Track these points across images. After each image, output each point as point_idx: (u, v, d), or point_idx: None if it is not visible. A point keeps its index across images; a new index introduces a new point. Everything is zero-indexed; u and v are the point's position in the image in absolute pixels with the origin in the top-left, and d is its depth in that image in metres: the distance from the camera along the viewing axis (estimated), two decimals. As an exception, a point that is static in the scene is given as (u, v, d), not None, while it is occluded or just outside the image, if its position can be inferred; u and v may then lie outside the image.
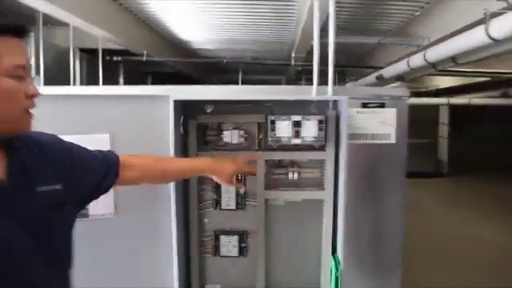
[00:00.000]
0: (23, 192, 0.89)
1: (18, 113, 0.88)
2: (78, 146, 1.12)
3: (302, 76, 7.32)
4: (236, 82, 6.68)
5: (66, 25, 3.06)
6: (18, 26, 0.86)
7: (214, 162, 1.50)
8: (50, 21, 3.15)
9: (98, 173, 1.13)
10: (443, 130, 9.94)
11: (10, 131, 0.89)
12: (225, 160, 1.52)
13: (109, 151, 1.23)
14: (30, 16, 3.35)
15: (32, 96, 0.89)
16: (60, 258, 0.97)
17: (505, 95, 7.88)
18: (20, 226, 0.86)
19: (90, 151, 1.16)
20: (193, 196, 1.76)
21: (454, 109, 9.79)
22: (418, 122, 9.54)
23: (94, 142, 1.47)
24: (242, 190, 1.73)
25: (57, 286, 0.97)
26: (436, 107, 9.66)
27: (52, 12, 2.60)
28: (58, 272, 0.97)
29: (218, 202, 1.78)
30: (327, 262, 1.75)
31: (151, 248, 1.72)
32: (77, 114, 1.58)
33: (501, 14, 2.27)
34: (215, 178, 1.52)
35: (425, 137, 9.69)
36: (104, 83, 4.40)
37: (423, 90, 9.17)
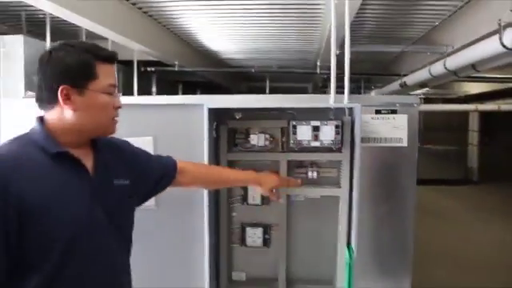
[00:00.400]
0: (106, 184, 1.14)
1: (107, 120, 1.14)
2: (142, 150, 1.39)
3: (328, 83, 7.42)
4: (263, 90, 6.87)
5: (104, 39, 3.33)
6: (112, 54, 1.14)
7: (260, 175, 1.71)
8: (90, 35, 3.43)
9: (157, 175, 1.38)
10: (473, 137, 9.80)
11: (100, 134, 1.17)
12: (268, 174, 1.73)
13: (168, 157, 1.47)
14: (74, 32, 3.68)
15: (118, 108, 1.16)
16: (125, 240, 1.22)
17: (535, 101, 7.72)
18: (103, 210, 1.11)
19: (153, 156, 1.43)
20: (223, 192, 1.99)
21: (484, 115, 9.64)
22: (447, 128, 9.48)
23: (141, 143, 1.73)
24: (281, 201, 1.86)
25: (121, 263, 1.21)
26: (465, 114, 9.52)
27: (93, 28, 2.86)
28: (123, 251, 1.21)
29: (245, 198, 1.99)
30: (342, 252, 1.93)
31: (186, 238, 1.95)
32: (127, 120, 1.82)
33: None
34: (258, 189, 1.73)
35: (454, 144, 9.60)
36: (138, 92, 4.69)
37: (452, 96, 9.08)
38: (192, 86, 7.04)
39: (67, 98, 1.05)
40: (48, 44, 3.12)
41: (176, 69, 4.92)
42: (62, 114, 1.07)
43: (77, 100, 1.06)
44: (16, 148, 1.04)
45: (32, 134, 1.09)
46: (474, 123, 9.70)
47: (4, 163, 0.99)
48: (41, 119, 1.10)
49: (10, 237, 0.95)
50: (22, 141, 1.07)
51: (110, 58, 1.12)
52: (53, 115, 1.08)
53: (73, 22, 2.70)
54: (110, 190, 1.15)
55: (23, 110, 1.92)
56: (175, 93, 6.93)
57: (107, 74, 1.11)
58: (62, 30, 3.71)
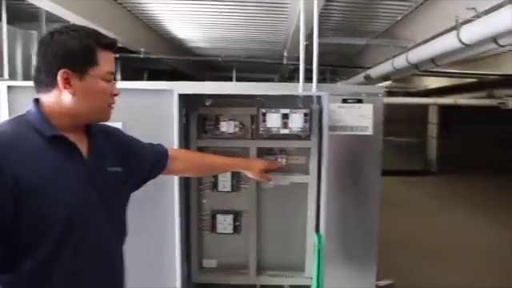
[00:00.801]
0: (100, 170, 1.14)
1: (104, 107, 1.14)
2: (134, 138, 1.39)
3: (294, 75, 7.52)
4: (230, 80, 6.86)
5: (66, 22, 3.20)
6: (114, 41, 1.14)
7: (247, 160, 1.80)
8: (50, 18, 3.28)
9: (149, 162, 1.39)
10: (432, 130, 10.22)
11: (95, 120, 1.17)
12: (255, 159, 1.81)
13: (159, 144, 1.49)
14: (32, 13, 3.51)
15: (115, 95, 1.16)
16: (119, 225, 1.21)
17: (490, 96, 8.13)
18: (97, 195, 1.10)
19: (145, 143, 1.43)
20: (193, 179, 1.99)
21: (443, 109, 10.06)
22: (408, 121, 9.83)
23: (109, 129, 1.71)
24: (271, 183, 1.94)
25: (115, 249, 1.20)
26: (425, 107, 9.89)
27: (53, 10, 2.74)
28: (116, 238, 1.20)
29: (215, 185, 2.01)
30: (311, 238, 1.98)
31: (156, 225, 1.92)
32: None
33: (471, 21, 2.51)
34: (248, 173, 1.77)
35: (414, 136, 9.97)
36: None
37: (412, 90, 9.41)
38: (157, 74, 6.92)
39: (67, 82, 1.05)
40: (4, 25, 2.97)
41: (141, 56, 4.82)
42: (60, 98, 1.06)
43: (76, 85, 1.06)
44: (11, 129, 1.04)
45: (28, 116, 1.07)
46: (433, 116, 10.11)
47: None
48: (37, 101, 1.09)
49: (5, 219, 0.94)
50: (18, 123, 1.06)
51: (111, 45, 1.13)
52: (50, 98, 1.07)
53: (32, 3, 2.59)
54: (104, 175, 1.15)
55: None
56: (140, 80, 6.79)
57: (107, 61, 1.11)
58: (21, 11, 3.53)
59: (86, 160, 1.11)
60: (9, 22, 3.11)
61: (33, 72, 1.12)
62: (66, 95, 1.06)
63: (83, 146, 1.13)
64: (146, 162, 1.38)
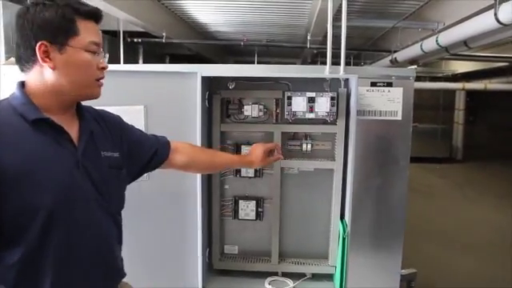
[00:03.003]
0: (92, 154, 1.09)
1: (91, 81, 1.07)
2: (134, 127, 1.33)
3: (317, 59, 7.41)
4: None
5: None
6: (94, 10, 1.06)
7: (246, 155, 1.69)
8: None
9: (149, 152, 1.32)
10: (459, 116, 9.91)
11: (84, 97, 1.10)
12: (252, 149, 1.66)
13: (162, 136, 1.41)
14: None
15: (102, 68, 1.09)
16: (115, 211, 1.17)
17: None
18: (89, 179, 1.06)
19: (145, 134, 1.37)
20: (215, 164, 1.95)
21: (471, 95, 9.74)
22: (434, 107, 9.57)
23: (131, 112, 1.68)
24: (281, 157, 1.76)
25: (110, 235, 1.15)
26: (452, 93, 9.61)
27: None
28: (112, 223, 1.15)
29: (238, 170, 1.96)
30: (336, 226, 1.93)
31: (178, 211, 1.91)
32: (116, 88, 1.73)
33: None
34: (254, 165, 1.68)
35: (440, 122, 9.71)
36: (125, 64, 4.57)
37: (440, 75, 9.14)
38: (178, 59, 6.90)
39: (46, 56, 0.99)
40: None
41: (163, 40, 4.79)
42: (42, 74, 1.01)
43: (56, 57, 1.00)
44: None
45: (11, 99, 1.02)
46: (460, 102, 9.80)
47: None
48: (22, 84, 1.04)
49: None
50: (1, 107, 1.01)
51: (91, 13, 1.05)
52: (32, 76, 1.02)
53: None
54: (97, 160, 1.10)
55: (1, 77, 1.84)
56: (162, 66, 6.80)
57: (89, 31, 1.04)
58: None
59: (77, 144, 1.06)
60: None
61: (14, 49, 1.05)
62: (47, 70, 1.00)
63: (73, 129, 1.07)
64: (145, 150, 1.32)
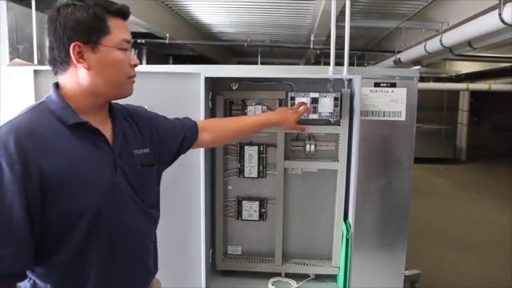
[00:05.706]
0: (126, 153, 1.10)
1: (123, 79, 1.08)
2: (158, 116, 1.33)
3: (321, 60, 7.39)
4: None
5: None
6: (124, 7, 1.06)
7: (278, 112, 1.70)
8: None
9: (178, 137, 1.33)
10: (463, 117, 9.87)
11: (117, 96, 1.10)
12: (285, 110, 1.70)
13: (186, 118, 1.42)
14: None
15: (134, 65, 1.10)
16: (150, 208, 1.18)
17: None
18: (125, 179, 1.07)
19: (170, 119, 1.36)
20: (219, 165, 1.95)
21: (475, 95, 9.70)
22: (437, 108, 9.53)
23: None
24: (307, 129, 1.84)
25: (147, 232, 1.18)
26: (456, 93, 9.56)
27: None
28: (148, 221, 1.17)
29: (241, 171, 1.96)
30: (339, 226, 1.92)
31: (181, 211, 1.90)
32: None
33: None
34: (282, 127, 1.73)
35: (444, 123, 9.66)
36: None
37: (444, 75, 9.09)
38: (182, 60, 6.91)
39: (80, 56, 0.99)
40: (33, 10, 2.98)
41: (167, 41, 4.80)
42: (77, 75, 1.01)
43: (90, 57, 1.00)
44: (33, 119, 0.98)
45: (48, 102, 1.02)
46: (464, 103, 9.75)
47: (22, 138, 0.92)
48: (56, 86, 1.04)
49: (33, 213, 0.91)
50: (40, 110, 1.01)
51: (121, 11, 1.06)
52: (67, 78, 1.02)
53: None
54: (131, 159, 1.11)
55: (6, 78, 1.84)
56: (165, 67, 6.81)
57: (120, 29, 1.04)
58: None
59: (112, 145, 1.07)
60: (37, 9, 3.13)
61: (47, 54, 1.05)
62: (82, 71, 1.00)
63: (107, 130, 1.08)
64: (174, 138, 1.32)
